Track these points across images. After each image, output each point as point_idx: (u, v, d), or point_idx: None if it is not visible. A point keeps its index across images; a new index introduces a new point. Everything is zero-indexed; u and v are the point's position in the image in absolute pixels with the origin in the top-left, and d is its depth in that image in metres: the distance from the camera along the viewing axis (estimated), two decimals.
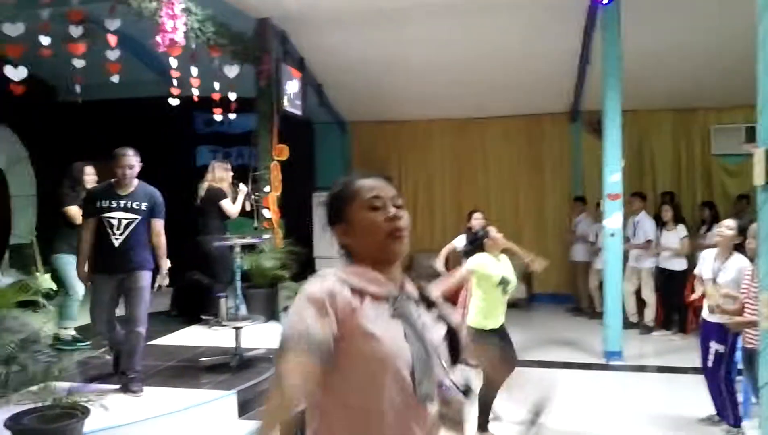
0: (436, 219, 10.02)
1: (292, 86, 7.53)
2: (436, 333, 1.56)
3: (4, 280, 3.63)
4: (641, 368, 6.21)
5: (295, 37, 7.84)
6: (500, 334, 4.51)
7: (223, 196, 6.41)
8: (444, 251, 6.38)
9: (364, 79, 8.78)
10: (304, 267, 7.44)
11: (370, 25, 7.41)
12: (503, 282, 4.41)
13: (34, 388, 3.32)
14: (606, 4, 5.93)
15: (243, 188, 6.57)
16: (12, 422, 3.23)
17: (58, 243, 5.51)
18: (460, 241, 6.30)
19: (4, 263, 8.18)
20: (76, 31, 4.24)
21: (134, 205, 4.38)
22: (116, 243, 4.31)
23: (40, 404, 3.32)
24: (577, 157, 9.48)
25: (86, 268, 4.39)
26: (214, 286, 6.31)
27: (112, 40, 4.51)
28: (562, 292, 9.23)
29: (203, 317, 6.40)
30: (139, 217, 4.39)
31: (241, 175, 8.02)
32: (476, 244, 4.59)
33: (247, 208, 7.22)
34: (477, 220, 6.15)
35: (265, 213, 7.12)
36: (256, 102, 7.22)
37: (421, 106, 9.46)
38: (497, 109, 9.38)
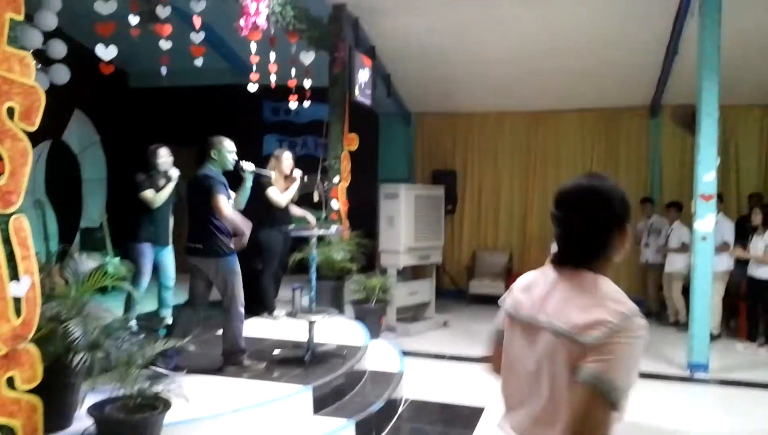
0: (501, 216, 9.73)
1: (363, 75, 7.37)
2: None
3: (88, 263, 3.57)
4: (730, 383, 5.79)
5: (367, 25, 7.67)
6: None
7: (269, 184, 6.04)
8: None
9: (434, 69, 8.55)
10: (369, 260, 7.31)
11: (444, 12, 7.17)
12: None
13: (116, 375, 3.25)
14: None
15: (297, 174, 6.19)
16: (95, 410, 3.16)
17: (136, 230, 5.36)
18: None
19: (74, 246, 8.32)
20: (163, 12, 4.15)
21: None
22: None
23: (122, 393, 3.24)
24: (655, 153, 9.01)
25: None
26: (263, 276, 6.18)
27: (197, 22, 4.41)
28: (631, 295, 8.80)
29: (269, 315, 6.30)
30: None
31: (307, 164, 7.93)
32: None
33: (315, 198, 7.10)
34: None
35: (334, 204, 6.98)
36: (326, 91, 7.08)
37: (491, 97, 9.17)
38: (572, 101, 9.01)
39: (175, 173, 5.47)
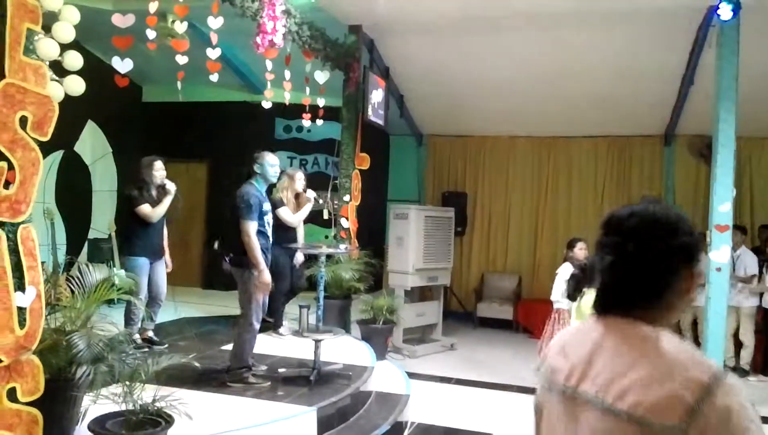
0: (510, 240, 9.65)
1: (376, 95, 7.38)
2: None
3: (95, 274, 3.53)
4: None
5: (381, 46, 7.70)
6: None
7: (280, 204, 5.97)
8: (558, 284, 5.78)
9: (446, 92, 8.56)
10: (375, 280, 7.25)
11: (458, 35, 7.19)
12: None
13: (118, 390, 3.20)
14: (727, 21, 5.48)
15: (310, 196, 6.12)
16: (96, 425, 3.11)
17: (133, 245, 5.27)
18: (565, 271, 5.81)
19: (81, 256, 8.32)
20: (181, 27, 4.16)
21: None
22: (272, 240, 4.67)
23: (123, 407, 3.19)
24: (669, 183, 8.94)
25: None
26: (274, 295, 6.12)
27: (214, 38, 4.42)
28: None
29: (276, 332, 6.25)
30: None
31: (318, 182, 7.91)
32: (590, 275, 4.16)
33: (325, 216, 7.08)
34: (581, 251, 5.71)
35: (343, 223, 6.95)
36: (339, 110, 7.08)
37: (503, 121, 9.16)
38: (585, 128, 8.98)
39: (172, 187, 5.42)
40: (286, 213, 6.00)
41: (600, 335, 1.23)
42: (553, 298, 5.82)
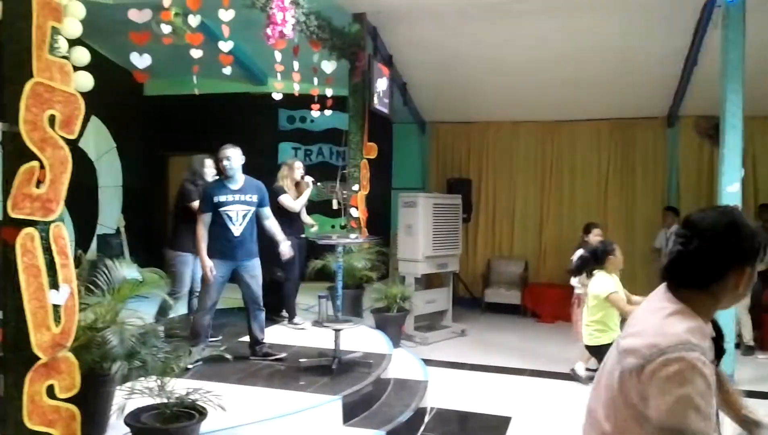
0: (516, 225, 9.69)
1: (381, 84, 7.38)
2: None
3: (122, 271, 3.56)
4: (757, 394, 5.73)
5: (385, 34, 7.69)
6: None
7: (281, 191, 6.19)
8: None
9: (450, 78, 8.55)
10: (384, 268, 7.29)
11: (461, 21, 7.18)
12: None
13: (152, 383, 3.24)
14: (732, 2, 5.51)
15: (309, 181, 6.34)
16: (132, 419, 3.15)
17: (183, 240, 5.43)
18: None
19: (90, 252, 8.33)
20: (194, 20, 4.16)
21: (248, 198, 4.84)
22: (236, 233, 4.77)
23: (158, 401, 3.23)
24: (672, 164, 8.99)
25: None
26: (285, 284, 6.28)
27: (226, 31, 4.42)
28: None
29: (274, 317, 6.33)
30: (253, 209, 4.88)
31: (323, 172, 7.93)
32: (599, 258, 4.31)
33: (335, 206, 7.11)
34: (596, 237, 5.78)
35: (353, 212, 6.97)
36: (343, 99, 7.07)
37: (507, 107, 9.17)
38: (589, 111, 8.99)
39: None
40: (287, 199, 6.20)
41: (648, 298, 1.58)
42: (572, 282, 5.92)
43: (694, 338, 1.37)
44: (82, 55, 4.01)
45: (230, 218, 4.75)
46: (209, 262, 4.71)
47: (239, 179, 4.82)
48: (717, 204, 5.92)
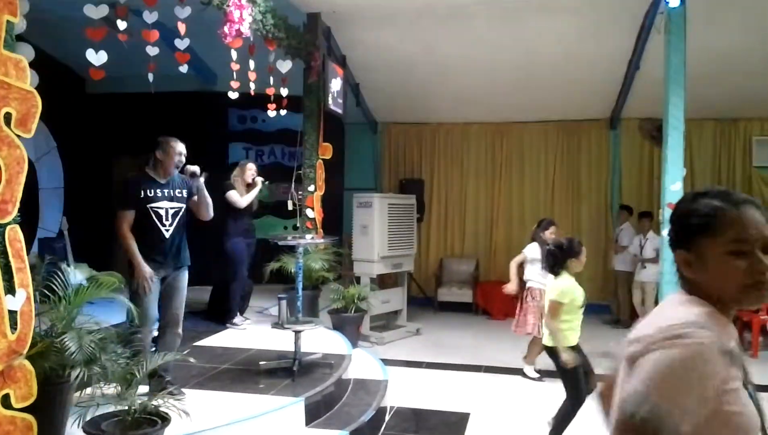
0: (467, 224, 9.85)
1: (335, 84, 7.37)
2: None
3: (77, 275, 3.44)
4: None
5: (338, 34, 7.68)
6: (578, 349, 4.34)
7: (230, 188, 6.31)
8: (517, 261, 6.14)
9: (402, 80, 8.63)
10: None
11: (413, 24, 7.26)
12: (584, 304, 4.27)
13: (112, 390, 3.14)
14: (674, 8, 5.77)
15: (258, 181, 6.46)
16: (91, 427, 3.05)
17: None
18: (531, 251, 6.06)
19: (31, 255, 7.97)
20: (150, 17, 4.06)
21: (177, 193, 4.17)
22: (167, 234, 4.07)
23: (118, 408, 3.14)
24: (615, 164, 9.33)
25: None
26: (232, 285, 6.28)
27: (182, 28, 4.33)
28: (598, 302, 9.04)
29: (230, 323, 6.27)
30: (184, 207, 4.20)
31: (274, 173, 7.86)
32: (564, 258, 4.29)
33: (290, 207, 7.04)
34: (552, 234, 5.93)
35: (309, 213, 6.94)
36: (296, 99, 7.01)
37: (458, 108, 9.31)
38: (536, 113, 9.24)
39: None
40: (234, 195, 6.30)
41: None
42: (525, 277, 6.02)
43: (709, 321, 1.22)
44: (26, 52, 3.86)
45: (159, 217, 4.05)
46: (148, 269, 3.91)
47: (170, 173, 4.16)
48: (659, 201, 6.19)
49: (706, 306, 1.27)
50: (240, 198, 6.32)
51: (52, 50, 7.83)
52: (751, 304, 1.29)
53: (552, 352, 4.25)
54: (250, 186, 6.46)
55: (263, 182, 6.49)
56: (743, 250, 1.24)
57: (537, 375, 5.95)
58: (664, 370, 1.15)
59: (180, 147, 4.22)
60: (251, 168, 6.54)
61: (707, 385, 1.14)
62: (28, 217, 8.31)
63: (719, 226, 1.26)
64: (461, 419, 4.83)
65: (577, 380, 4.12)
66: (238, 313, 6.43)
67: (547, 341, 4.30)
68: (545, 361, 4.91)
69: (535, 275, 5.91)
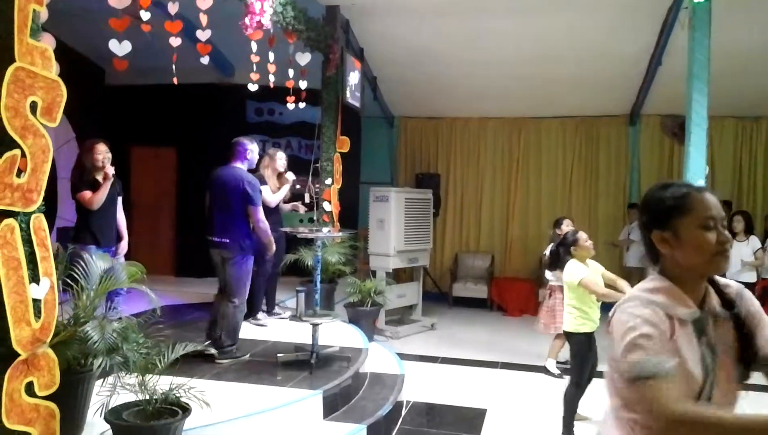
0: (483, 219, 9.80)
1: (353, 77, 7.35)
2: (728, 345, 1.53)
3: (99, 264, 3.45)
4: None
5: (356, 27, 7.65)
6: (593, 339, 4.44)
7: (262, 182, 5.87)
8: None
9: (419, 73, 8.58)
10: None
11: (432, 18, 7.20)
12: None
13: (133, 380, 3.15)
14: (699, 3, 5.67)
15: (290, 177, 6.14)
16: (112, 416, 3.06)
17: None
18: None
19: (53, 245, 8.04)
20: (173, 7, 4.06)
21: None
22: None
23: (139, 397, 3.15)
24: (634, 161, 9.23)
25: None
26: (256, 279, 6.09)
27: (204, 19, 4.32)
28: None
29: (253, 319, 6.21)
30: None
31: (291, 165, 7.83)
32: (566, 248, 4.47)
33: (307, 200, 7.04)
34: (567, 227, 5.89)
35: (326, 206, 6.93)
36: (314, 92, 6.99)
37: (475, 102, 9.25)
38: (555, 109, 9.16)
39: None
40: (266, 192, 5.93)
41: None
42: (546, 276, 6.07)
43: (652, 295, 1.49)
44: (49, 42, 3.88)
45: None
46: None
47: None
48: None
49: (664, 282, 1.53)
50: (272, 196, 5.98)
51: (71, 41, 7.87)
52: (715, 271, 1.52)
53: (570, 336, 4.38)
54: (281, 176, 6.17)
55: (294, 181, 6.20)
56: (710, 225, 1.48)
57: (558, 372, 5.92)
58: (625, 329, 1.44)
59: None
60: (281, 157, 6.21)
61: (655, 335, 1.41)
62: (48, 207, 8.43)
63: (691, 205, 1.49)
64: (478, 415, 4.81)
65: (582, 366, 4.32)
66: (261, 310, 6.30)
67: (566, 326, 4.44)
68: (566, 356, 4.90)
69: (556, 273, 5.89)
